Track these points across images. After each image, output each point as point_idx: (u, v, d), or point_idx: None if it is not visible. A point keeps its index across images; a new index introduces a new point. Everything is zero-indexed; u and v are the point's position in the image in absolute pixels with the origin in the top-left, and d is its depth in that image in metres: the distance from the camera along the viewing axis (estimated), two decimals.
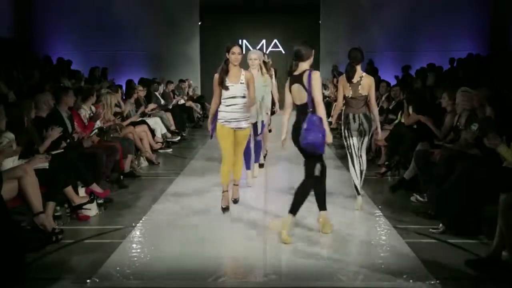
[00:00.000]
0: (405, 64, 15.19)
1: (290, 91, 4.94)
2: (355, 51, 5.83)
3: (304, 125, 4.66)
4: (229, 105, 5.63)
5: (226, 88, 5.59)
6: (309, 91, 4.74)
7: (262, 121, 6.94)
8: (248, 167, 7.01)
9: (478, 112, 5.81)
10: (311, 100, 4.74)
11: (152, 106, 10.66)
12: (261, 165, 7.80)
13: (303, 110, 4.81)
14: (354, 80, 5.77)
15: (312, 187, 4.94)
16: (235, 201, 6.05)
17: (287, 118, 5.06)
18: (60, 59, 14.86)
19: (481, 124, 5.50)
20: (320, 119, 4.69)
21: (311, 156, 4.83)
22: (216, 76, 5.65)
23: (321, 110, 4.74)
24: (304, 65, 4.89)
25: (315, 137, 4.63)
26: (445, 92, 6.72)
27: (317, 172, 4.82)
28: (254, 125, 6.76)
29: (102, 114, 7.35)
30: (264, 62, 7.28)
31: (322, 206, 5.04)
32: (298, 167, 8.28)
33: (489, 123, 5.30)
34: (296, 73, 4.91)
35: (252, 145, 7.10)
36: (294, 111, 4.99)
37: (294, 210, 4.79)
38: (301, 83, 4.81)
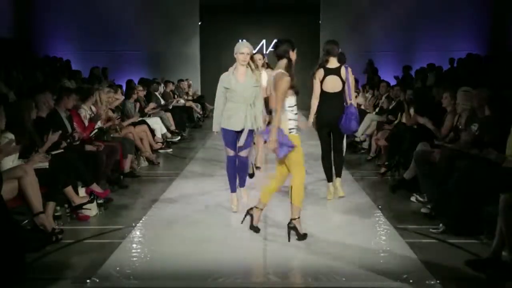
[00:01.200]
0: (405, 64, 15.23)
1: (323, 80, 5.96)
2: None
3: (346, 115, 5.91)
4: (296, 114, 4.86)
5: (297, 94, 4.84)
6: (347, 83, 5.97)
7: (252, 131, 5.66)
8: (233, 189, 5.84)
9: (478, 112, 5.80)
10: (345, 91, 5.99)
11: (152, 105, 10.67)
12: (255, 169, 7.41)
13: (335, 97, 5.99)
14: None
15: (340, 158, 6.25)
16: (257, 230, 5.02)
17: (316, 103, 6.04)
18: (55, 57, 14.88)
19: (481, 124, 5.50)
20: (356, 108, 6.07)
21: (342, 137, 6.26)
22: (288, 79, 4.71)
23: (354, 101, 6.13)
24: (334, 60, 5.99)
25: (356, 125, 6.02)
26: (446, 92, 6.72)
27: (344, 147, 6.70)
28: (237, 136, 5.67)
29: (102, 115, 7.34)
30: (251, 58, 6.62)
31: (339, 173, 6.24)
32: None
33: (489, 123, 5.30)
34: (330, 66, 5.99)
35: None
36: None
37: (331, 177, 6.21)
38: (339, 75, 5.95)
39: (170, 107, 12.31)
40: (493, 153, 4.86)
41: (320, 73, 6.00)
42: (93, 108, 7.41)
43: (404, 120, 7.88)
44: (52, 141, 5.73)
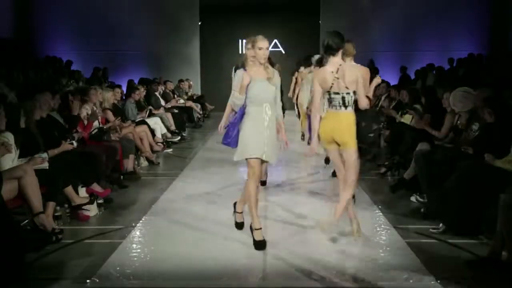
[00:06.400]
0: (406, 64, 15.29)
1: None
2: None
3: None
4: None
5: None
6: None
7: None
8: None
9: (478, 112, 5.79)
10: None
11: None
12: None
13: None
14: None
15: None
16: None
17: None
18: (55, 57, 14.87)
19: (481, 126, 5.49)
20: None
21: None
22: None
23: None
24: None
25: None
26: (446, 92, 6.71)
27: None
28: None
29: (98, 113, 7.37)
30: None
31: None
32: (297, 166, 8.32)
33: (490, 127, 5.28)
34: None
35: None
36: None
37: None
38: None
39: (176, 110, 12.34)
40: (491, 158, 4.90)
41: None
42: (95, 109, 7.42)
43: (403, 120, 7.87)
44: (64, 149, 5.77)
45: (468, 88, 6.25)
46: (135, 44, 16.82)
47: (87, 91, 7.50)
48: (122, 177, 7.17)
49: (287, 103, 10.68)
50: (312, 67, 8.55)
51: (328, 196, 6.37)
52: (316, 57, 8.20)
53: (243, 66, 4.83)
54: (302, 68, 10.05)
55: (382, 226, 5.32)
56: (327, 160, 7.88)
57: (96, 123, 7.23)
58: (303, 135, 10.53)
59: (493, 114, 5.27)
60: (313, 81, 4.94)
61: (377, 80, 5.13)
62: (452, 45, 16.04)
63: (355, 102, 4.70)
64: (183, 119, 12.53)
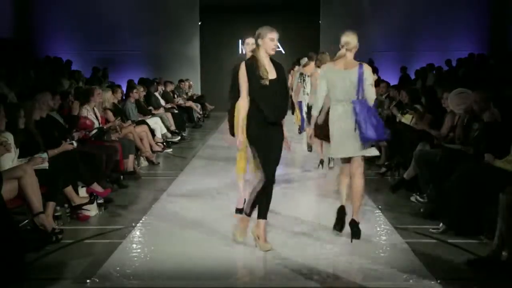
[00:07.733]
0: (405, 64, 15.29)
1: None
2: None
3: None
4: None
5: None
6: None
7: None
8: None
9: (478, 112, 5.78)
10: None
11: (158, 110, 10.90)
12: None
13: None
14: None
15: None
16: None
17: None
18: (56, 57, 14.86)
19: (482, 126, 5.48)
20: None
21: None
22: None
23: None
24: None
25: None
26: (445, 92, 6.71)
27: None
28: None
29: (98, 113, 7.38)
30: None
31: None
32: (297, 167, 8.32)
33: (491, 127, 5.27)
34: None
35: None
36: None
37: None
38: None
39: (176, 110, 12.34)
40: (491, 158, 4.90)
41: None
42: (96, 109, 7.41)
43: (403, 120, 7.87)
44: (64, 149, 5.78)
45: (464, 89, 6.24)
46: (135, 44, 16.83)
47: (91, 91, 7.48)
48: (122, 177, 7.17)
49: None
50: (301, 67, 9.13)
51: (327, 195, 6.37)
52: (305, 59, 9.07)
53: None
54: (296, 67, 10.62)
55: (382, 226, 5.32)
56: (322, 161, 7.98)
57: (96, 123, 7.23)
58: (299, 128, 9.90)
59: (497, 113, 5.25)
60: None
61: (374, 77, 5.45)
62: (452, 45, 16.05)
63: None
64: (183, 119, 12.54)
